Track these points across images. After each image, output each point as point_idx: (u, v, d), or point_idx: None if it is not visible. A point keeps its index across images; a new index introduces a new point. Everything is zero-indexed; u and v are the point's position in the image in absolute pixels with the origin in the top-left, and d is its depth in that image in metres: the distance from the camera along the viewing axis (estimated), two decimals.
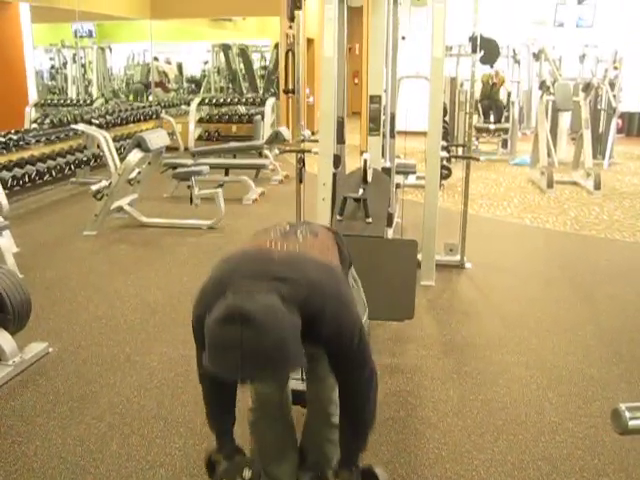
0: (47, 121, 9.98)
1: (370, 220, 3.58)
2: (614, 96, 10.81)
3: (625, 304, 4.67)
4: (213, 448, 2.19)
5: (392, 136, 5.22)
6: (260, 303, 1.66)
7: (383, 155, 4.97)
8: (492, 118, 12.01)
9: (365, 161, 3.60)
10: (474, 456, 2.85)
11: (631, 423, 1.28)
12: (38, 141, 8.56)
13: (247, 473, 2.05)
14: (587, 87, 9.65)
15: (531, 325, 4.28)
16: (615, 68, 11.05)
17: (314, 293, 1.79)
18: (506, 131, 11.70)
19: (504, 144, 11.92)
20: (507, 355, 3.84)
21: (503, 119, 12.11)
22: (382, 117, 4.84)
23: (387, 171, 4.70)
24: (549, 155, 9.45)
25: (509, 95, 12.32)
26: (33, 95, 11.79)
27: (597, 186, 8.60)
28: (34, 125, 10.18)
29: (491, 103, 12.17)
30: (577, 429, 3.06)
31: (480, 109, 12.16)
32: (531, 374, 3.61)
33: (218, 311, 1.67)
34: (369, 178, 3.71)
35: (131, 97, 13.37)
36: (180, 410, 3.19)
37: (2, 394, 3.35)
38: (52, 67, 13.59)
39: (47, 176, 7.80)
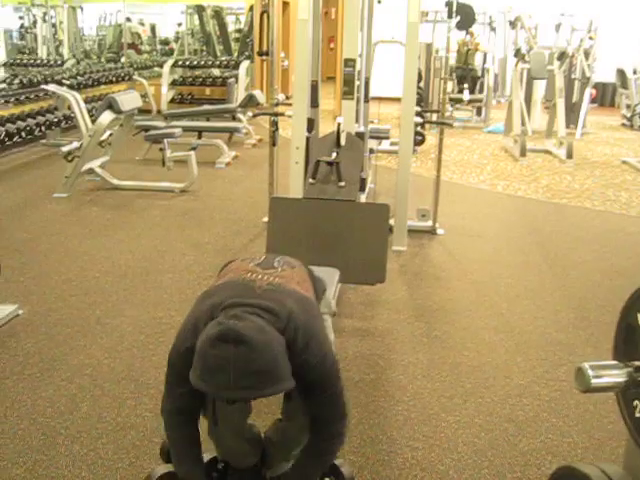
0: (16, 81, 9.76)
1: (343, 184, 3.58)
2: (588, 66, 10.86)
3: (593, 271, 4.74)
4: None
5: (366, 101, 5.21)
6: (252, 324, 1.70)
7: (357, 120, 4.95)
8: (466, 86, 11.98)
9: (339, 125, 3.59)
10: (442, 418, 2.89)
11: (594, 381, 1.30)
12: (7, 102, 8.39)
13: None
14: (562, 56, 9.69)
15: (501, 290, 4.33)
16: (590, 38, 11.08)
17: (291, 323, 1.81)
18: (480, 101, 11.71)
19: (478, 111, 11.95)
20: (477, 319, 3.89)
21: (478, 87, 12.11)
22: (356, 82, 4.81)
23: (361, 136, 4.68)
24: (523, 123, 9.50)
25: (485, 60, 12.31)
26: (1, 55, 11.55)
27: (569, 155, 8.67)
28: (2, 85, 9.96)
29: (466, 72, 12.14)
30: (543, 392, 3.12)
31: (455, 77, 12.13)
32: (500, 338, 3.66)
33: (211, 330, 1.69)
34: (342, 142, 3.70)
35: (103, 58, 13.14)
36: (151, 372, 3.19)
37: None
38: (21, 26, 13.29)
39: (17, 137, 7.65)
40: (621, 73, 12.39)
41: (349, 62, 4.65)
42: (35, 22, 12.79)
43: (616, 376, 1.36)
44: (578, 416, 2.93)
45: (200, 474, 2.06)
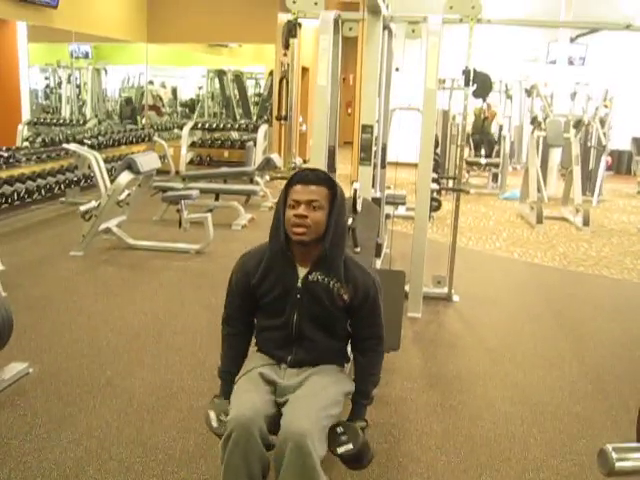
0: (39, 140, 9.95)
1: (358, 250, 3.55)
2: (604, 134, 10.93)
3: (611, 341, 4.67)
4: (216, 394, 2.45)
5: (383, 166, 5.24)
6: None
7: (373, 185, 4.97)
8: (483, 152, 12.09)
9: (355, 190, 3.58)
10: None
11: (618, 464, 1.25)
12: (29, 159, 8.51)
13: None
14: (578, 124, 9.75)
15: (517, 359, 4.26)
16: (605, 106, 11.19)
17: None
18: (497, 165, 11.78)
19: (494, 178, 12.00)
20: (492, 389, 3.81)
21: (494, 153, 12.20)
22: (373, 147, 4.85)
23: (377, 201, 4.70)
24: (539, 190, 9.51)
25: (500, 129, 12.43)
26: (26, 114, 11.79)
27: (586, 222, 8.65)
28: (26, 143, 10.15)
29: (482, 137, 12.27)
30: (562, 466, 3.03)
31: (472, 143, 12.25)
32: (516, 409, 3.58)
33: None
34: (359, 207, 3.69)
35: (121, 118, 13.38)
36: (160, 436, 3.14)
37: None
38: (47, 86, 13.60)
39: (36, 195, 7.75)
40: (637, 141, 12.49)
41: (367, 128, 4.70)
42: (60, 83, 13.09)
43: None
44: None
45: (229, 382, 2.39)
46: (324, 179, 2.29)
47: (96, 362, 3.95)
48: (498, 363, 4.19)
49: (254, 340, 2.52)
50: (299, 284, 2.31)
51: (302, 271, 2.32)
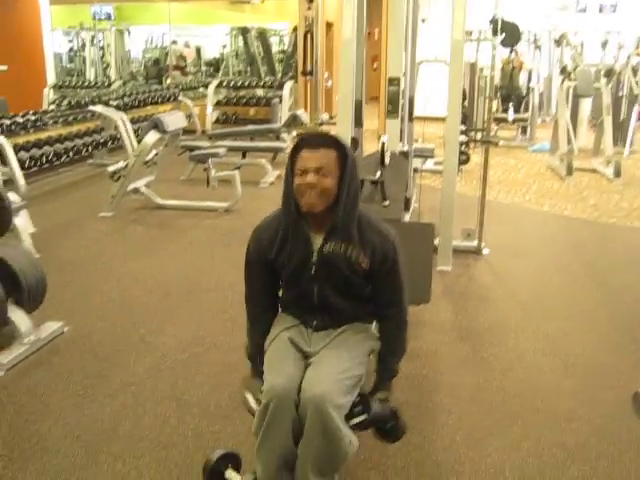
0: (65, 103, 10.00)
1: (387, 203, 3.53)
2: (636, 82, 10.64)
3: None
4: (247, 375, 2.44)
5: (410, 120, 5.17)
6: None
7: (401, 139, 4.91)
8: (511, 108, 11.86)
9: (383, 143, 3.56)
10: (489, 442, 2.82)
11: None
12: (56, 122, 8.57)
13: None
14: (609, 73, 9.52)
15: (547, 311, 4.24)
16: (638, 54, 10.89)
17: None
18: (525, 121, 11.58)
19: (523, 130, 11.81)
20: (523, 341, 3.80)
21: (522, 107, 11.98)
22: (400, 100, 4.78)
23: (405, 155, 4.65)
24: (569, 142, 9.33)
25: (529, 78, 12.17)
26: (51, 77, 11.83)
27: (617, 174, 8.50)
28: (52, 106, 10.22)
29: (511, 91, 12.03)
30: (593, 416, 3.02)
31: (499, 96, 12.03)
32: (547, 360, 3.57)
33: None
34: (387, 161, 3.67)
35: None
36: (193, 391, 3.19)
37: (17, 372, 3.37)
38: (70, 49, 13.62)
39: (64, 157, 7.81)
40: None
41: (393, 81, 4.63)
42: (84, 45, 13.09)
43: None
44: (630, 442, 2.82)
45: (256, 357, 2.38)
46: (331, 142, 2.17)
47: (128, 321, 4.00)
48: (529, 315, 4.17)
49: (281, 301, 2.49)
50: (314, 257, 2.24)
51: (317, 240, 2.25)
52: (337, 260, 2.22)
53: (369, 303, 2.41)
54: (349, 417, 2.15)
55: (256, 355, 2.39)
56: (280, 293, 2.47)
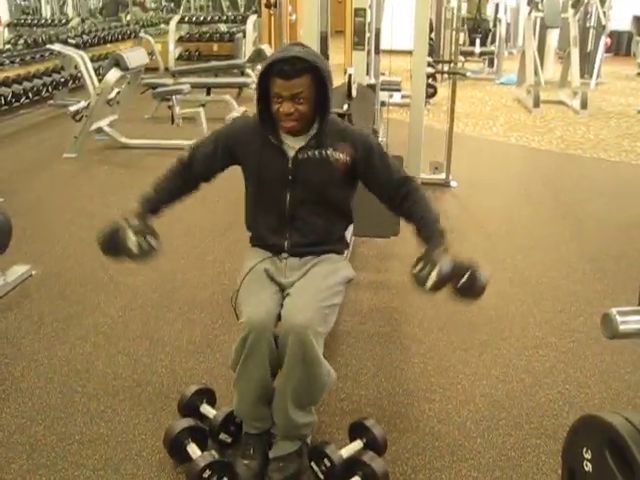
0: (21, 42, 9.66)
1: None
2: (604, 13, 10.57)
3: (609, 222, 4.68)
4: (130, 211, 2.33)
5: (377, 52, 5.08)
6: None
7: (368, 72, 4.85)
8: (478, 40, 11.74)
9: (349, 75, 3.50)
10: (459, 370, 2.88)
11: (621, 327, 1.27)
12: (12, 62, 8.28)
13: (154, 242, 2.26)
14: (577, 3, 9.44)
15: (515, 242, 4.29)
16: None
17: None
18: (492, 53, 11.50)
19: (490, 63, 11.74)
20: (492, 272, 3.83)
21: (489, 39, 11.89)
22: (367, 33, 4.69)
23: (372, 87, 4.59)
24: (536, 74, 9.30)
25: (496, 12, 12.05)
26: (5, 15, 11.39)
27: (584, 105, 8.52)
28: (7, 46, 9.87)
29: (477, 23, 11.91)
30: (560, 343, 3.10)
31: (466, 29, 11.91)
32: (515, 291, 3.63)
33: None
34: (354, 93, 3.62)
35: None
36: (165, 329, 3.19)
37: None
38: None
39: (24, 98, 7.58)
40: (638, 20, 12.13)
41: (359, 11, 4.53)
42: None
43: None
44: (595, 367, 2.91)
45: (159, 203, 2.39)
46: (303, 69, 2.07)
47: (97, 261, 3.94)
48: (497, 246, 4.22)
49: (249, 236, 2.45)
50: (290, 164, 2.22)
51: (292, 149, 2.23)
52: (313, 165, 2.21)
53: (343, 228, 2.41)
54: (421, 282, 2.02)
55: (148, 202, 2.37)
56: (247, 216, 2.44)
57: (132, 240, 2.16)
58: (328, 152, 2.20)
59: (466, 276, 2.01)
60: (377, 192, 2.30)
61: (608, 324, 1.28)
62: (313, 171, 2.22)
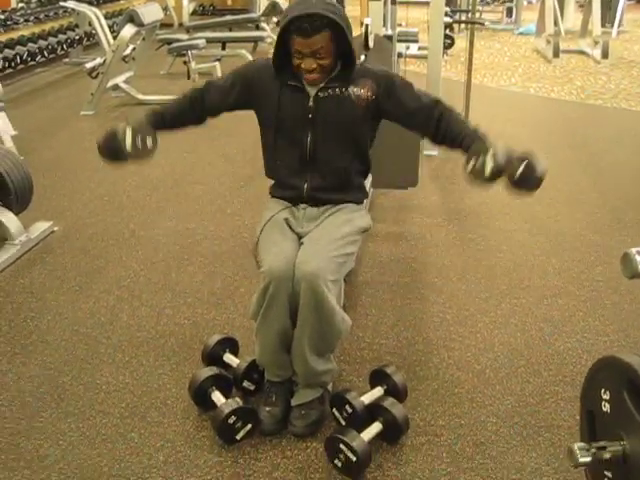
0: (34, 0, 9.60)
1: None
2: None
3: (629, 172, 4.65)
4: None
5: (394, 3, 5.03)
6: None
7: (384, 24, 4.79)
8: None
9: (366, 26, 3.46)
10: (478, 319, 2.90)
11: None
12: (27, 20, 8.24)
13: (150, 142, 2.26)
14: None
15: (535, 193, 4.25)
16: None
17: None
18: (511, 0, 11.29)
19: (509, 13, 11.53)
20: (511, 222, 3.85)
21: None
22: None
23: (389, 39, 4.55)
24: (555, 23, 9.12)
25: None
26: None
27: (605, 55, 8.38)
28: (21, 4, 9.80)
29: None
30: (579, 292, 3.11)
31: None
32: (535, 240, 3.62)
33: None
34: (370, 44, 3.58)
35: None
36: (187, 281, 3.23)
37: (11, 272, 3.38)
38: None
39: (39, 57, 7.58)
40: None
41: None
42: None
43: None
44: (614, 315, 2.92)
45: (164, 119, 2.36)
46: (322, 25, 2.04)
47: (118, 216, 4.01)
48: (516, 197, 4.19)
49: (268, 187, 2.46)
50: (310, 103, 2.21)
51: (313, 89, 2.23)
52: (335, 102, 2.21)
53: (363, 173, 2.41)
54: (477, 176, 2.00)
55: (157, 115, 2.36)
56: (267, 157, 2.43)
57: (128, 138, 2.18)
58: (350, 89, 2.20)
59: (523, 165, 1.99)
60: (409, 123, 2.30)
61: (628, 263, 1.28)
62: (335, 108, 2.21)
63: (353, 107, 2.21)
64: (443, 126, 2.22)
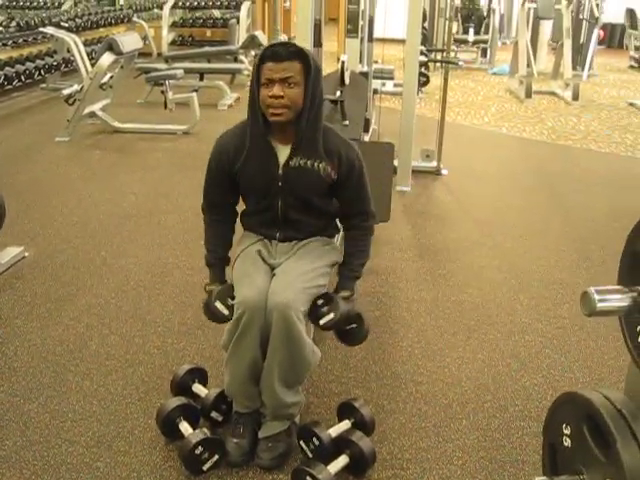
0: (13, 24, 9.60)
1: (347, 123, 3.54)
2: (597, 5, 10.61)
3: (597, 212, 4.74)
4: (207, 282, 2.40)
5: (370, 40, 5.13)
6: None
7: (361, 60, 4.89)
8: (471, 29, 11.76)
9: (343, 62, 3.53)
10: (446, 354, 2.92)
11: (599, 305, 1.32)
12: (5, 44, 8.24)
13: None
14: None
15: (504, 230, 4.34)
16: None
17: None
18: (485, 42, 11.54)
19: (483, 53, 11.79)
20: (480, 258, 3.90)
21: (483, 29, 11.91)
22: (360, 21, 4.73)
23: (365, 75, 4.63)
24: (528, 65, 9.35)
25: (490, 1, 12.08)
26: None
27: (575, 97, 8.59)
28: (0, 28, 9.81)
29: (471, 12, 11.93)
30: (546, 329, 3.15)
31: (460, 17, 11.92)
32: (503, 277, 3.68)
33: None
34: (347, 80, 3.65)
35: None
36: (158, 310, 3.23)
37: None
38: None
39: (16, 81, 7.57)
40: (631, 13, 12.15)
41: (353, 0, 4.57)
42: None
43: (620, 300, 1.38)
44: (579, 352, 2.96)
45: (223, 259, 2.41)
46: (296, 52, 2.11)
47: (90, 243, 4.00)
48: (486, 234, 4.27)
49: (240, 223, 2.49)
50: (280, 171, 2.22)
51: (283, 154, 2.22)
52: (303, 174, 2.21)
53: (333, 219, 2.45)
54: (317, 317, 2.19)
55: (217, 261, 2.41)
56: (240, 210, 2.47)
57: (223, 310, 2.25)
58: (320, 166, 2.21)
59: (352, 325, 2.31)
60: (338, 201, 2.37)
61: (587, 302, 1.33)
62: (303, 180, 2.23)
63: (320, 182, 2.23)
64: (349, 234, 2.39)
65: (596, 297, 1.33)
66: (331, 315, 2.18)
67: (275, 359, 2.13)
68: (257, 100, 2.15)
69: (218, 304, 2.24)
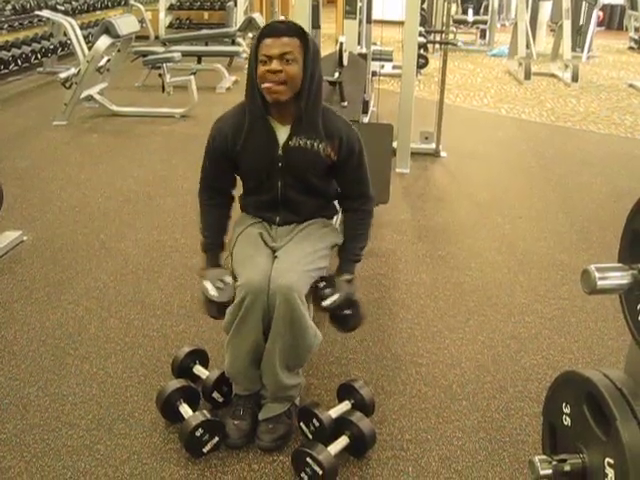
0: (8, 7, 9.53)
1: (345, 104, 3.52)
2: None
3: (597, 193, 4.73)
4: (201, 267, 2.38)
5: (369, 21, 5.10)
6: None
7: (359, 42, 4.85)
8: (470, 10, 11.70)
9: (341, 44, 3.51)
10: (446, 335, 2.92)
11: (600, 283, 1.32)
12: (1, 28, 8.18)
13: (228, 278, 2.23)
14: None
15: (504, 212, 4.33)
16: None
17: None
18: (484, 23, 11.48)
19: (482, 35, 11.73)
20: (480, 240, 3.90)
21: (482, 10, 11.85)
22: (359, 3, 4.69)
23: (363, 57, 4.60)
24: (528, 46, 9.32)
25: None
26: None
27: (575, 78, 8.55)
28: None
29: None
30: (545, 310, 3.15)
31: (459, 1, 11.87)
32: (503, 258, 3.67)
33: None
34: (345, 62, 3.63)
35: None
36: (157, 294, 3.22)
37: None
38: None
39: (12, 65, 7.52)
40: None
41: None
42: None
43: (621, 278, 1.37)
44: (579, 333, 2.97)
45: (219, 245, 2.39)
46: (295, 30, 2.10)
47: (88, 227, 3.99)
48: (486, 215, 4.26)
49: (239, 204, 2.47)
50: (280, 152, 2.21)
51: (283, 134, 2.21)
52: (303, 154, 2.20)
53: (332, 200, 2.44)
54: (321, 298, 2.17)
55: (212, 246, 2.39)
56: (238, 191, 2.45)
57: (212, 291, 2.22)
58: (320, 145, 2.20)
59: (350, 310, 2.29)
60: (338, 184, 2.38)
61: (587, 280, 1.32)
62: (303, 160, 2.22)
63: (320, 162, 2.22)
64: (349, 217, 2.39)
65: (596, 275, 1.32)
66: (335, 296, 2.17)
67: (278, 342, 2.13)
68: (255, 80, 2.13)
69: (208, 284, 2.22)
